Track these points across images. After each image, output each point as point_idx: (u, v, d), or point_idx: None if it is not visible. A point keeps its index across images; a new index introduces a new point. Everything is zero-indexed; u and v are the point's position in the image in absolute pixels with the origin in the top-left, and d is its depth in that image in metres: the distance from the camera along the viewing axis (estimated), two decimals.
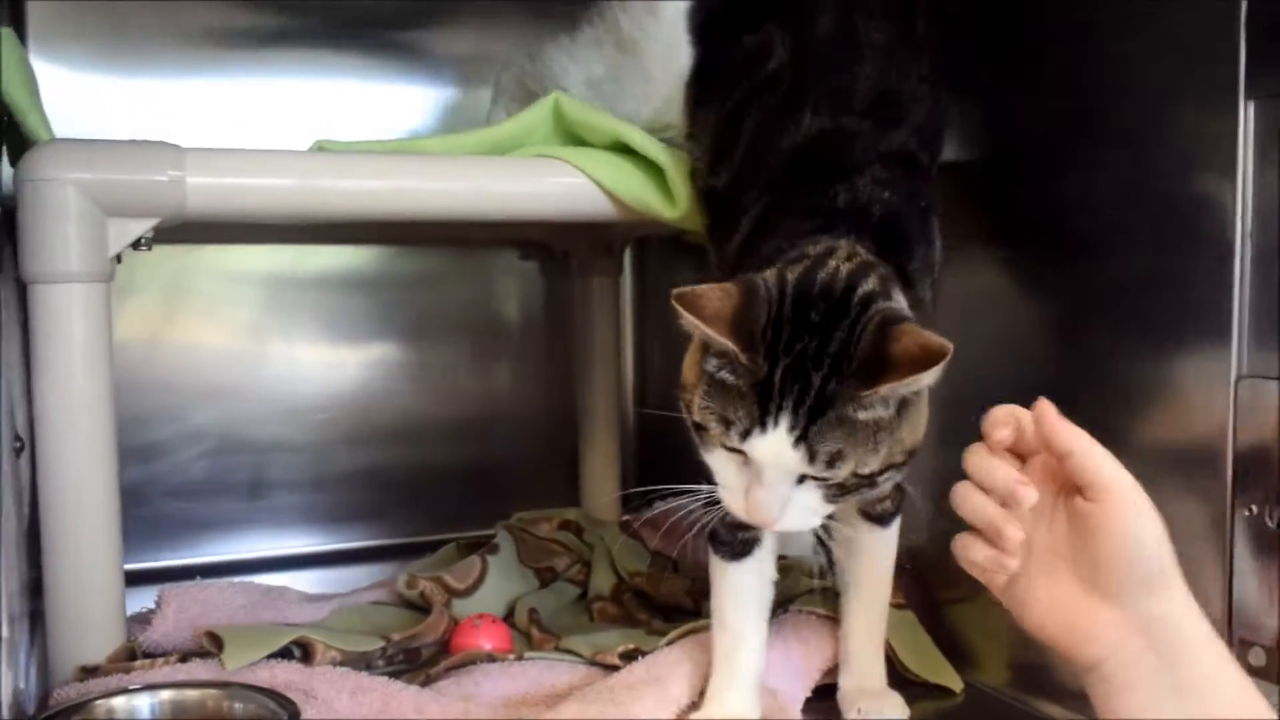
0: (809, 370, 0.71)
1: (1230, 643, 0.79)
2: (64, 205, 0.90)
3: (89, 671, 0.90)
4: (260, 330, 1.48)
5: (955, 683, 0.99)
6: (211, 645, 0.94)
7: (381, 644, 0.98)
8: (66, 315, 0.91)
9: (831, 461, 0.71)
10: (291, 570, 1.40)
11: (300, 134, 1.08)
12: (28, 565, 0.94)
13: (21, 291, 0.93)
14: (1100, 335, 0.91)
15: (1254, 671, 0.78)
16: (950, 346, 0.69)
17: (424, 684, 0.95)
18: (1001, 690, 1.00)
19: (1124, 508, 0.64)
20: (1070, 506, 0.67)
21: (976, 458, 0.68)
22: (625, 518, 1.39)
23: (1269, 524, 0.78)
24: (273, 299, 1.49)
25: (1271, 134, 0.78)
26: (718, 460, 0.76)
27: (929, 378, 0.70)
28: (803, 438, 0.70)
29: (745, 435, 0.72)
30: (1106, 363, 0.90)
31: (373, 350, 1.53)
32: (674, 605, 1.19)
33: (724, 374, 0.73)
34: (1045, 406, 0.66)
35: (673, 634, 1.01)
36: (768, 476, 0.72)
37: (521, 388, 1.61)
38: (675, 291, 0.73)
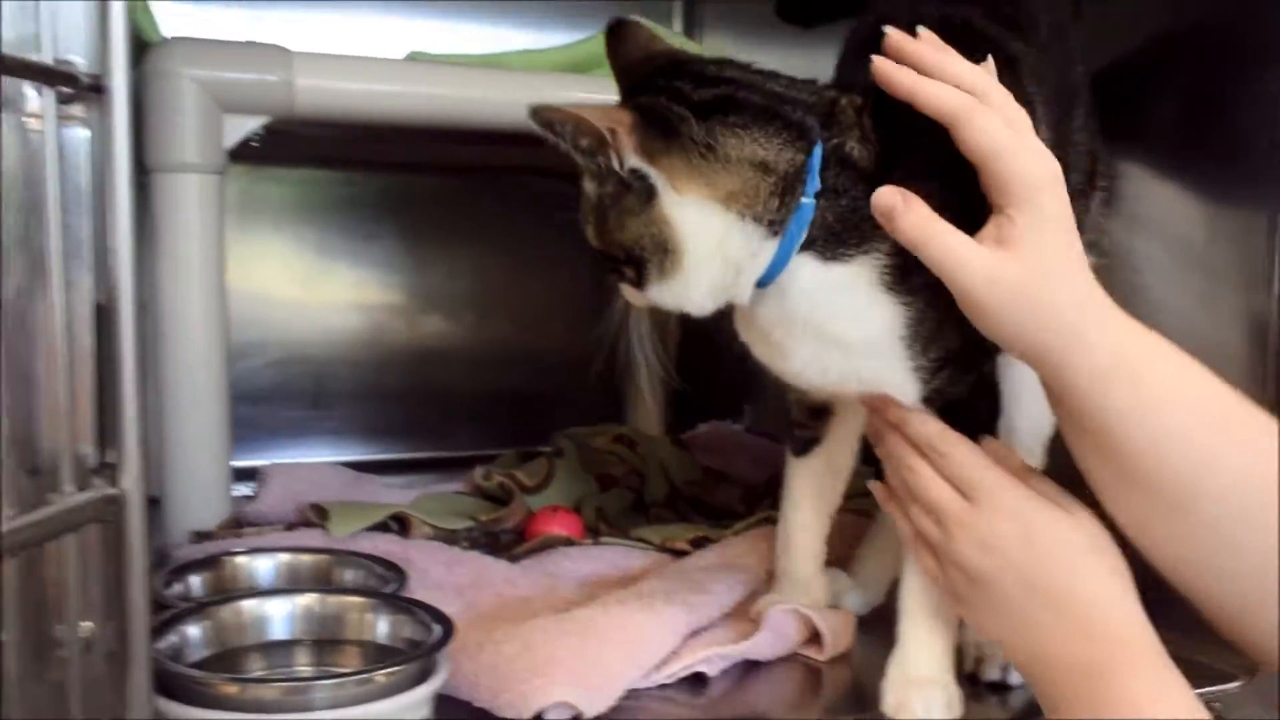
0: None
1: None
2: (184, 99, 0.96)
3: (203, 536, 0.96)
4: (325, 248, 1.53)
5: None
6: (316, 517, 1.00)
7: (469, 523, 1.05)
8: (185, 203, 0.97)
9: None
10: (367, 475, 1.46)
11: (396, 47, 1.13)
12: None
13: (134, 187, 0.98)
14: None
15: None
16: None
17: (512, 559, 1.02)
18: None
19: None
20: None
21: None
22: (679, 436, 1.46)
23: None
24: (339, 219, 1.54)
25: None
26: None
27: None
28: None
29: None
30: None
31: (432, 272, 1.59)
32: (727, 511, 1.25)
33: None
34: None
35: (738, 526, 1.07)
36: None
37: (572, 310, 1.67)
38: None
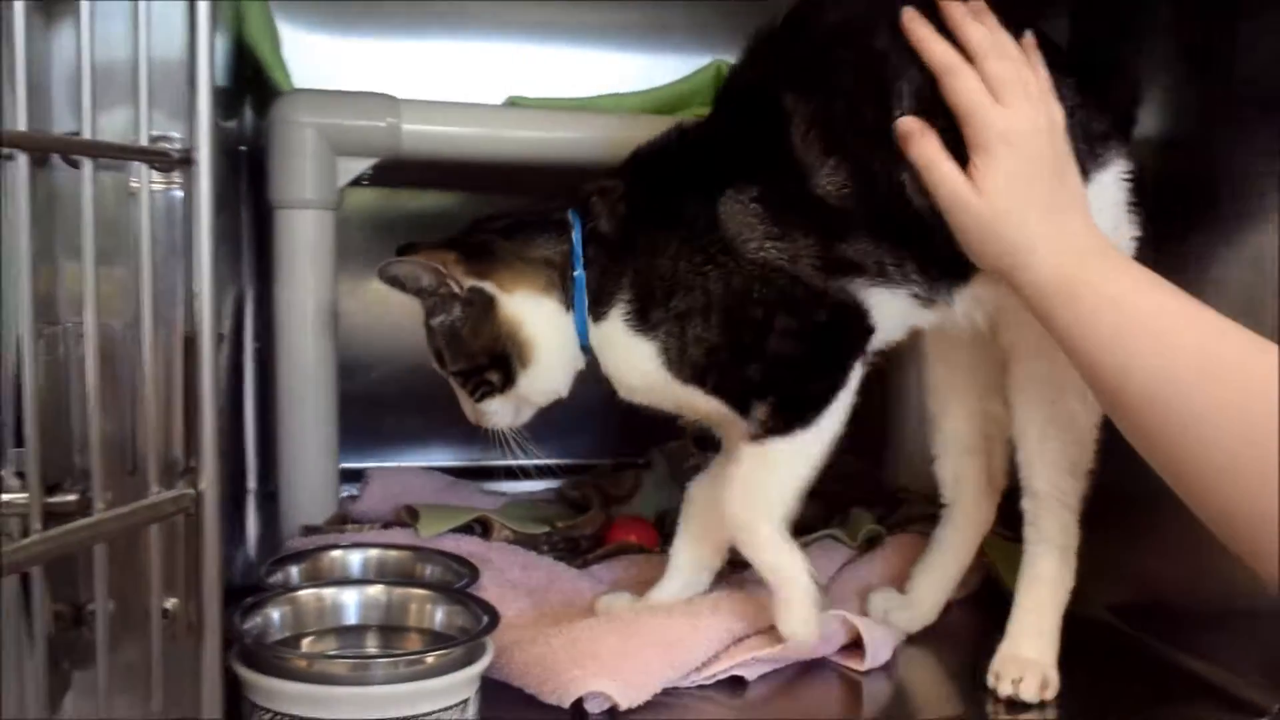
0: None
1: None
2: (304, 144, 1.08)
3: (311, 530, 1.09)
4: None
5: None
6: (408, 517, 1.11)
7: (547, 529, 1.14)
8: (303, 235, 1.09)
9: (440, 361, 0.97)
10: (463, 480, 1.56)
11: (497, 89, 1.24)
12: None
13: (256, 218, 1.11)
14: None
15: None
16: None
17: (580, 567, 1.11)
18: (1113, 621, 1.07)
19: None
20: None
21: None
22: None
23: None
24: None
25: None
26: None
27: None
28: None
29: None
30: None
31: None
32: (808, 526, 1.30)
33: None
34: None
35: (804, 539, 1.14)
36: None
37: None
38: None
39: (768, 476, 0.91)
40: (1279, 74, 0.92)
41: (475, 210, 1.58)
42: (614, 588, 1.06)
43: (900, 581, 1.08)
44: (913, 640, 1.03)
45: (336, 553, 0.99)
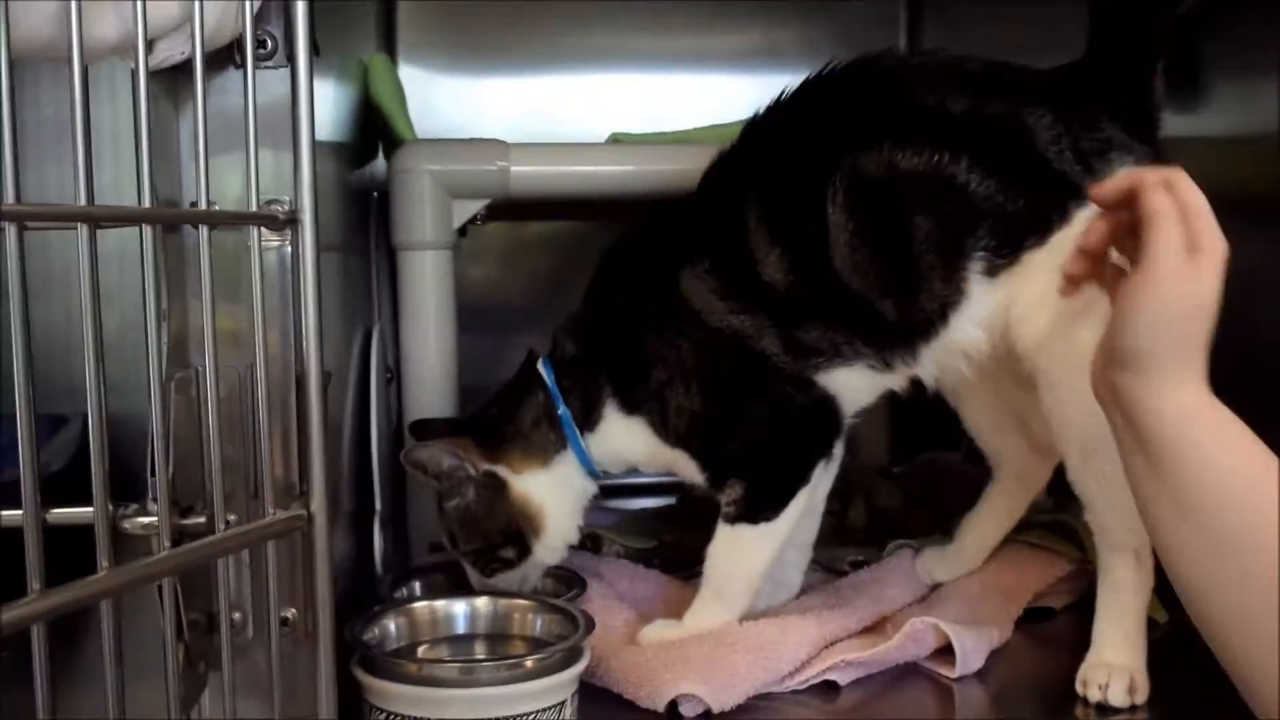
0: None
1: None
2: (422, 190, 1.17)
3: (436, 547, 1.17)
4: (567, 288, 1.70)
5: (1159, 613, 1.03)
6: None
7: (655, 543, 1.20)
8: (422, 275, 1.19)
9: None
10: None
11: (611, 121, 1.32)
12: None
13: (389, 258, 1.21)
14: None
15: None
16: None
17: (687, 578, 1.16)
18: None
19: (1143, 284, 0.71)
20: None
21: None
22: (892, 468, 1.55)
23: None
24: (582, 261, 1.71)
25: None
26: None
27: None
28: None
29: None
30: None
31: None
32: (920, 536, 1.32)
33: None
34: (1180, 175, 0.72)
35: (890, 547, 1.18)
36: None
37: None
38: None
39: (740, 557, 1.01)
40: None
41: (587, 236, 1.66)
42: None
43: (1007, 592, 1.10)
44: (1012, 647, 1.05)
45: (456, 569, 1.08)
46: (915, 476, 1.53)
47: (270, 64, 0.72)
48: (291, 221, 0.69)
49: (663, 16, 1.65)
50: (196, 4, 0.61)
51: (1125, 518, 0.94)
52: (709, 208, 1.00)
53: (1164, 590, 0.87)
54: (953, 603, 1.08)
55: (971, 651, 0.98)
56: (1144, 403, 0.72)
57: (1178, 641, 0.95)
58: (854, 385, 0.99)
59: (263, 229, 0.69)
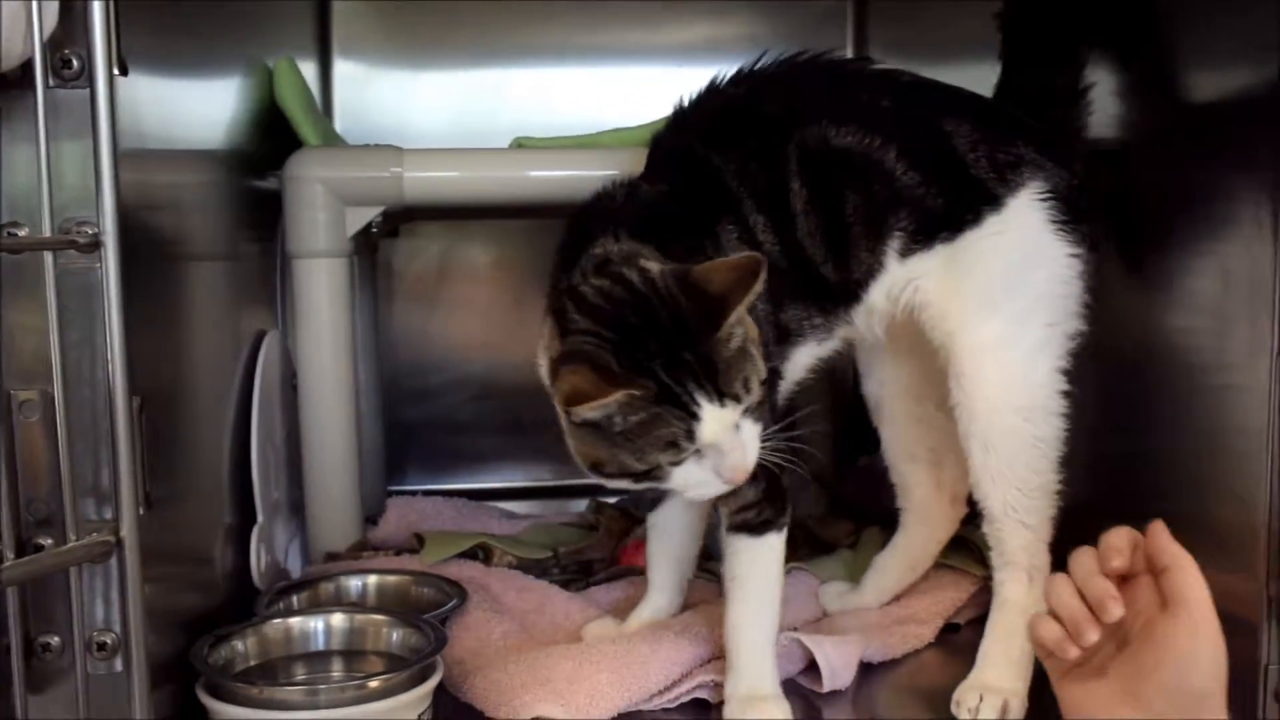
0: (677, 353, 0.78)
1: None
2: (314, 197, 1.16)
3: (332, 557, 1.17)
4: (521, 294, 1.69)
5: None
6: (416, 544, 1.18)
7: (550, 554, 1.19)
8: (317, 283, 1.17)
9: (747, 387, 0.80)
10: (540, 499, 1.61)
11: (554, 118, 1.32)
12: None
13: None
14: None
15: None
16: (758, 255, 0.79)
17: (583, 588, 1.15)
18: None
19: (1194, 626, 0.69)
20: (1144, 626, 0.72)
21: (1082, 564, 0.74)
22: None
23: None
24: (532, 267, 1.70)
25: None
26: (679, 478, 0.81)
27: (759, 286, 0.79)
28: (720, 394, 0.78)
29: (690, 436, 0.78)
30: None
31: None
32: (835, 544, 1.31)
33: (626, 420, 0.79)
34: (1161, 527, 0.72)
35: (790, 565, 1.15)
36: (726, 443, 0.79)
37: None
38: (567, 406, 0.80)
39: (763, 577, 0.93)
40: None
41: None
42: (611, 610, 1.10)
43: (905, 618, 1.09)
44: (900, 663, 1.04)
45: (338, 579, 1.07)
46: (854, 480, 1.51)
47: (78, 84, 0.71)
48: (95, 245, 0.69)
49: (607, 12, 1.63)
50: None
51: (1022, 533, 0.95)
52: (682, 186, 0.96)
53: None
54: (842, 621, 1.08)
55: (839, 667, 0.97)
56: None
57: None
58: (800, 364, 0.99)
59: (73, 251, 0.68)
